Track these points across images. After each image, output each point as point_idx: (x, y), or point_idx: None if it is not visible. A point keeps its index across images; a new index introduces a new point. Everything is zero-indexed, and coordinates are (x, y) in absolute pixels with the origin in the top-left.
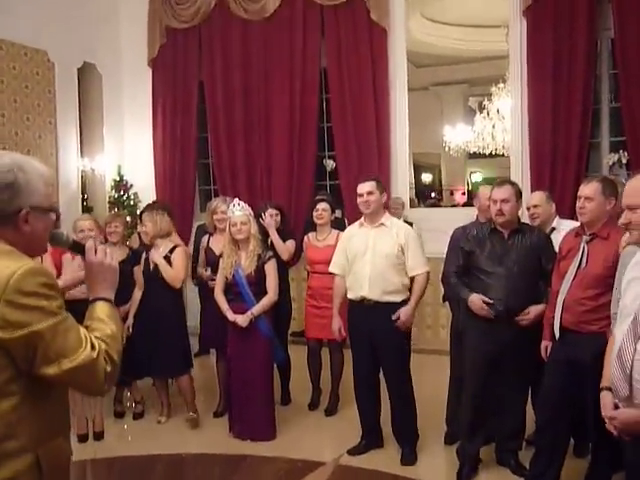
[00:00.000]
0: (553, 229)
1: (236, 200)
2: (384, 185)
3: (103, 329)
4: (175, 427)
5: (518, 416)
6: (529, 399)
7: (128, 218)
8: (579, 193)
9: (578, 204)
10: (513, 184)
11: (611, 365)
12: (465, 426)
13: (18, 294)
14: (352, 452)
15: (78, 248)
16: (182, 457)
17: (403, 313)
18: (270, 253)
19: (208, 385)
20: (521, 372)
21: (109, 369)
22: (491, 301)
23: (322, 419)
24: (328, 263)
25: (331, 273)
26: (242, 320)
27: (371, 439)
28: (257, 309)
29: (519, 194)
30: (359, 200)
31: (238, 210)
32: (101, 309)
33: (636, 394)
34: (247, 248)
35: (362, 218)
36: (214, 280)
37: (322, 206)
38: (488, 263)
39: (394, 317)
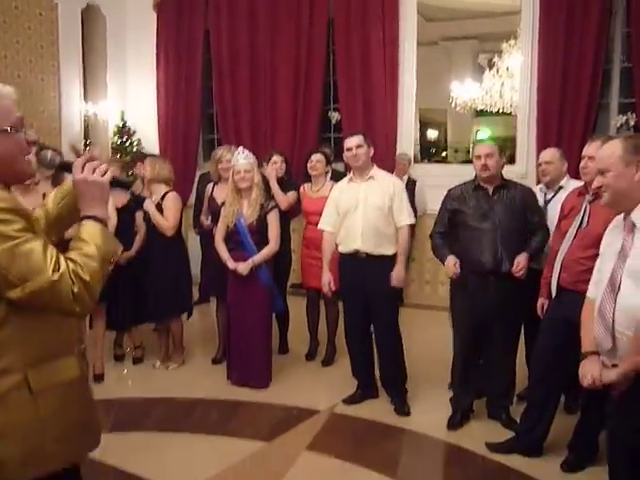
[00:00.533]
0: (560, 187)
1: (241, 148)
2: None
3: (80, 248)
4: (174, 372)
5: (507, 377)
6: (524, 356)
7: None
8: (583, 153)
9: (582, 164)
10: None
11: (594, 322)
12: (457, 380)
13: None
14: (347, 401)
15: (67, 168)
16: (180, 401)
17: (396, 273)
18: (273, 203)
19: (207, 333)
20: (509, 332)
21: (76, 289)
22: (459, 270)
23: (319, 369)
24: (322, 214)
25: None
26: (243, 268)
27: (366, 390)
28: (258, 258)
29: (501, 150)
30: (348, 154)
31: (242, 158)
32: (84, 228)
33: (618, 345)
34: (250, 197)
35: (351, 173)
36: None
37: (316, 157)
38: (474, 219)
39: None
